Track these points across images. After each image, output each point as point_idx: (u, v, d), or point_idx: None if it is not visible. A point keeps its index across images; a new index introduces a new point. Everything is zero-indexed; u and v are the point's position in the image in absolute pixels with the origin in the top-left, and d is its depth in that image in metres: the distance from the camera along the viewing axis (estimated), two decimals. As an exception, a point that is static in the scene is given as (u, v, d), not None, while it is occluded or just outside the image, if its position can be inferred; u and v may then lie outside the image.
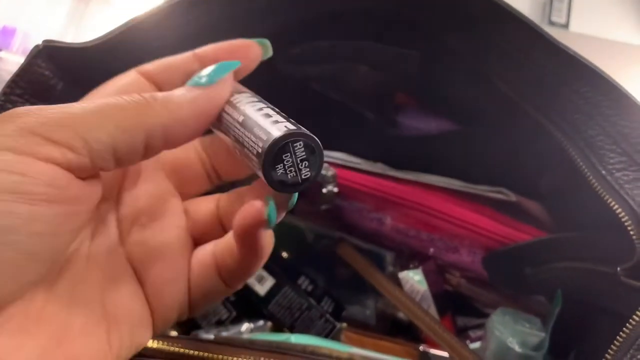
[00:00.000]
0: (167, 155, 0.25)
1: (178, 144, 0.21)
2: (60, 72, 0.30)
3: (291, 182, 0.20)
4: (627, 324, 0.29)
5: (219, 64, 0.22)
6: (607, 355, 0.29)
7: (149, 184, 0.24)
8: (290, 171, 0.20)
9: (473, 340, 0.50)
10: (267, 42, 0.25)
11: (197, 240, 0.25)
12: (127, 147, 0.19)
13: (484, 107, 0.41)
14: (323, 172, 0.42)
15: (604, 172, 0.31)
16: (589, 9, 0.77)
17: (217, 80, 0.21)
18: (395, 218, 0.47)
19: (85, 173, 0.19)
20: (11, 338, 0.17)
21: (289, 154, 0.20)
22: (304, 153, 0.20)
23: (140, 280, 0.22)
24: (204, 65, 0.23)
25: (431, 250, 0.50)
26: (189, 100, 0.20)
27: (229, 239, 0.23)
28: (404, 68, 0.42)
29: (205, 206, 0.25)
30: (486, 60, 0.37)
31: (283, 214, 0.22)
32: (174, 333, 0.43)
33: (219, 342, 0.34)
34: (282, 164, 0.20)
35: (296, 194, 0.22)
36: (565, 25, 0.75)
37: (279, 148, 0.19)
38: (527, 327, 0.41)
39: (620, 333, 0.29)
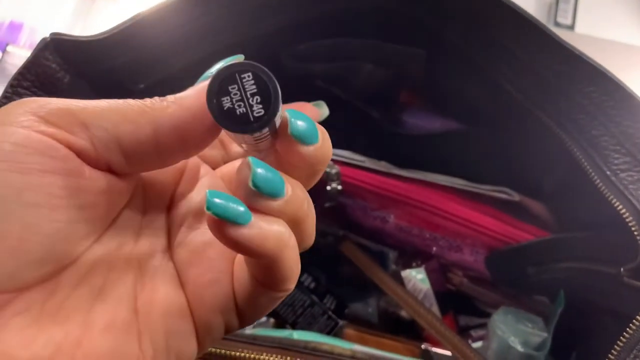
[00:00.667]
0: (227, 166, 0.25)
1: (196, 139, 0.20)
2: (67, 65, 0.30)
3: (240, 116, 0.18)
4: (631, 325, 0.29)
5: (226, 59, 0.21)
6: (610, 355, 0.29)
7: (203, 189, 0.23)
8: (239, 105, 0.18)
9: (475, 340, 0.50)
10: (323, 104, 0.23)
11: None
12: (133, 139, 0.18)
13: (488, 106, 0.41)
14: (327, 169, 0.42)
15: (608, 172, 0.31)
16: (595, 10, 0.77)
17: None
18: (398, 216, 0.47)
19: (91, 161, 0.18)
20: (20, 331, 0.16)
21: (236, 86, 0.18)
22: (254, 87, 0.18)
23: (183, 284, 0.21)
24: None
25: (434, 249, 0.50)
26: (195, 91, 0.19)
27: None
28: (409, 67, 0.42)
29: None
30: (491, 60, 0.37)
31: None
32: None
33: (223, 338, 0.34)
34: (228, 97, 0.18)
35: (259, 174, 0.18)
36: (571, 27, 0.74)
37: (224, 78, 0.18)
38: (529, 327, 0.41)
39: (624, 333, 0.29)
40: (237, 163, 0.24)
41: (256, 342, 0.34)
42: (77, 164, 0.18)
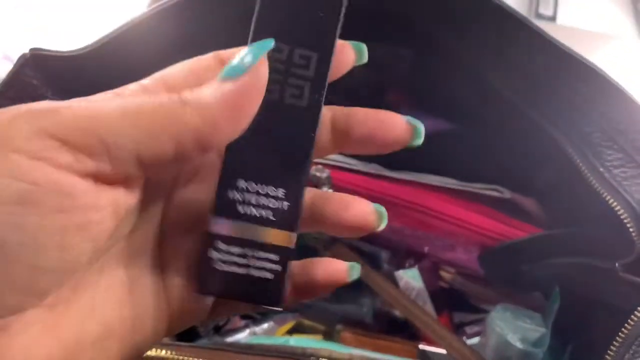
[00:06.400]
0: None
1: (218, 146, 0.19)
2: (48, 81, 0.30)
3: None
4: (629, 320, 0.29)
5: (251, 46, 0.19)
6: (609, 351, 0.29)
7: (208, 169, 0.22)
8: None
9: (470, 336, 0.50)
10: (364, 47, 0.22)
11: None
12: (152, 153, 0.17)
13: (478, 104, 0.41)
14: (318, 174, 0.42)
15: (601, 169, 0.31)
16: (577, 1, 0.77)
17: (250, 68, 0.18)
18: (391, 217, 0.47)
19: (105, 179, 0.17)
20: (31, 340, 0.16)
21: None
22: None
23: (162, 266, 0.21)
24: None
25: (427, 248, 0.49)
26: (220, 98, 0.18)
27: None
28: (396, 67, 0.41)
29: None
30: (479, 57, 0.37)
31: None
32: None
33: (219, 349, 0.34)
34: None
35: None
36: (553, 18, 0.75)
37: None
38: (527, 323, 0.41)
39: (623, 328, 0.29)
40: None
41: (253, 352, 0.34)
42: (94, 195, 0.17)
